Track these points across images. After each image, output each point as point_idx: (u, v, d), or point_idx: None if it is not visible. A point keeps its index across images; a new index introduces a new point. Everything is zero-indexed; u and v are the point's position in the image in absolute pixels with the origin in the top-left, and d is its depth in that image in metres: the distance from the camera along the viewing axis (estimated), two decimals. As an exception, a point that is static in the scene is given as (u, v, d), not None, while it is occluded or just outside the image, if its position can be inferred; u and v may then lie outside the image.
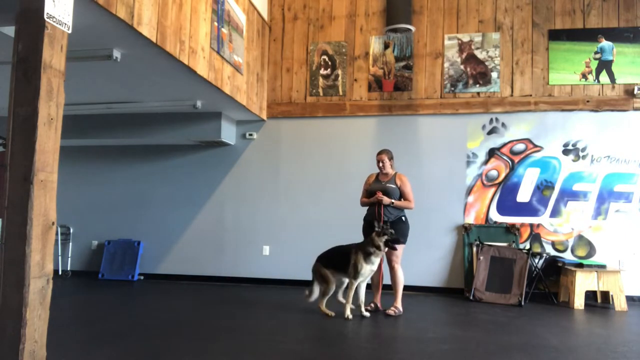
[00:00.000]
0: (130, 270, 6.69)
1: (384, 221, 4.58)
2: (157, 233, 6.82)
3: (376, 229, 4.39)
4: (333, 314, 4.49)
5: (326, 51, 6.58)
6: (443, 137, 6.24)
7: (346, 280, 4.59)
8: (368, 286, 4.68)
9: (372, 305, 4.80)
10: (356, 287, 4.49)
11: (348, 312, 4.39)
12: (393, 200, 4.68)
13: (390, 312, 4.64)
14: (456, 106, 6.24)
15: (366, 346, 3.65)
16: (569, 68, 6.08)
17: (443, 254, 6.15)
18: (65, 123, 2.67)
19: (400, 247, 4.65)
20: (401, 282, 4.74)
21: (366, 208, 4.90)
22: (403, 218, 4.77)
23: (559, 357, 3.45)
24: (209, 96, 5.39)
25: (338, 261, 4.53)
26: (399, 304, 4.71)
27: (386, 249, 4.41)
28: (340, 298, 4.71)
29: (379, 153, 4.89)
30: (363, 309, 4.52)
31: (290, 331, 4.05)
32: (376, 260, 4.43)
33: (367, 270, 4.40)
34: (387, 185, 4.76)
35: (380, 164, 4.84)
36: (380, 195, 4.63)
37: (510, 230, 6.03)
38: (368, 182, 4.95)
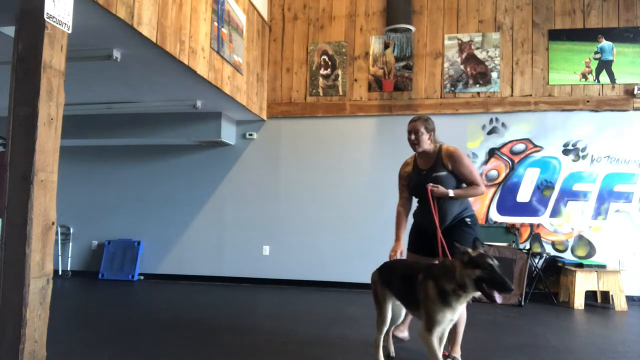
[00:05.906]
0: (130, 270, 6.69)
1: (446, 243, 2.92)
2: (157, 233, 6.82)
3: (462, 251, 2.47)
4: None
5: (326, 51, 6.58)
6: (443, 137, 6.02)
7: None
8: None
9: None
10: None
11: None
12: (451, 191, 3.05)
13: None
14: (456, 106, 6.24)
15: (367, 349, 3.65)
16: (569, 68, 6.08)
17: (443, 254, 6.14)
18: (65, 123, 2.67)
19: None
20: (463, 322, 3.15)
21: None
22: (467, 220, 3.14)
23: (559, 357, 3.46)
24: (209, 96, 5.39)
25: (399, 284, 2.84)
26: (458, 351, 3.16)
27: (478, 293, 2.43)
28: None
29: (411, 121, 3.20)
30: None
31: (291, 331, 4.04)
32: (458, 306, 2.52)
33: (445, 318, 2.53)
34: (435, 174, 3.12)
35: (413, 137, 3.15)
36: (432, 186, 3.05)
37: (510, 230, 6.02)
38: (404, 171, 3.33)
